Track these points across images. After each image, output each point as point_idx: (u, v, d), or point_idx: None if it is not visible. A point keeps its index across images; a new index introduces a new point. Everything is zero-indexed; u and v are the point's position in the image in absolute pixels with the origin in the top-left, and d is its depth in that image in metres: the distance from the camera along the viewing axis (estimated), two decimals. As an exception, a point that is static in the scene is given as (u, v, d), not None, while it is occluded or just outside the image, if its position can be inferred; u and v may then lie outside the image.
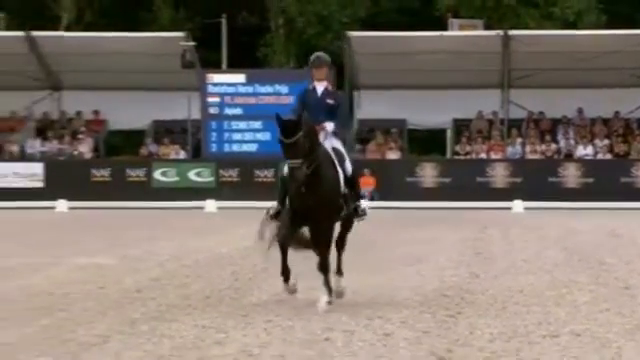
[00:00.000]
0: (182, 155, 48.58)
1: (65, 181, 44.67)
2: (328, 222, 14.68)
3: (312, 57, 15.49)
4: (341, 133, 15.34)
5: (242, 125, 47.73)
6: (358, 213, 15.14)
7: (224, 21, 50.65)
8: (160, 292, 16.23)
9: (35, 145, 48.65)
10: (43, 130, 49.45)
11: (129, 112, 47.69)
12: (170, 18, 58.29)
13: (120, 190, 44.83)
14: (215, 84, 47.72)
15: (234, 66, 50.27)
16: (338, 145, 15.11)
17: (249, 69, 50.37)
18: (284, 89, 47.29)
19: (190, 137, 48.70)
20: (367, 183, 45.22)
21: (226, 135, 47.69)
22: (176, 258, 21.68)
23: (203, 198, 42.22)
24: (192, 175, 46.99)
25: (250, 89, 47.79)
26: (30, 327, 12.92)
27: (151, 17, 59.06)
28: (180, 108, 47.51)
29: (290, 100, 46.84)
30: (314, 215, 14.42)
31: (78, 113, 49.75)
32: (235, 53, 52.43)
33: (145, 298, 15.57)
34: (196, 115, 47.94)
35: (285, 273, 14.76)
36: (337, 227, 15.18)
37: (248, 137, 47.67)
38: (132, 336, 12.42)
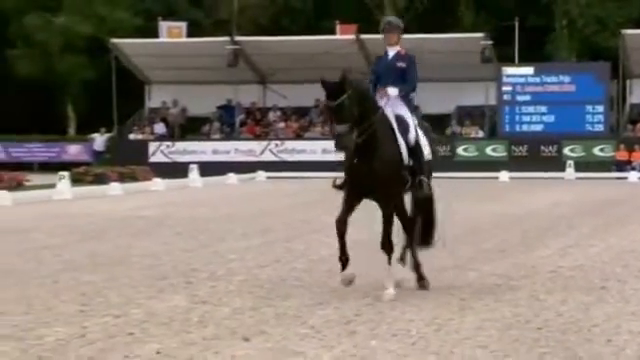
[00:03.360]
0: (480, 134, 48.49)
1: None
2: (387, 197, 11.26)
3: (383, 22, 12.37)
4: (408, 98, 11.92)
5: (530, 109, 47.40)
6: (423, 187, 11.58)
7: (517, 23, 50.11)
8: (461, 247, 16.24)
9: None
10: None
11: (437, 99, 47.76)
12: (471, 21, 58.27)
13: (430, 163, 45.05)
14: (508, 75, 47.56)
15: (524, 61, 49.71)
16: (403, 112, 11.66)
17: (537, 63, 49.84)
18: (566, 79, 47.06)
19: (487, 119, 48.63)
20: (637, 157, 44.77)
21: (517, 117, 47.48)
22: (475, 219, 21.68)
23: (497, 170, 41.96)
24: (489, 151, 46.87)
25: (537, 79, 47.46)
26: (358, 272, 13.19)
27: (455, 21, 59.16)
28: (479, 96, 47.52)
29: (572, 89, 46.25)
30: (371, 189, 11.11)
31: (398, 100, 50.20)
32: (525, 50, 51.80)
33: (449, 252, 15.63)
34: (492, 101, 47.89)
35: (342, 259, 11.31)
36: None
37: (535, 119, 47.33)
38: (439, 281, 12.50)
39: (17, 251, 15.83)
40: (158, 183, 34.69)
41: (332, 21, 51.80)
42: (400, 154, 11.28)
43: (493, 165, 43.81)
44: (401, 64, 11.90)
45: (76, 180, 33.33)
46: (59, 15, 56.90)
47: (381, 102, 11.41)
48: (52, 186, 30.01)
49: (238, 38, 49.15)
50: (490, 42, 47.72)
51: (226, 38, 49.37)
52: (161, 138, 49.43)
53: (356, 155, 10.97)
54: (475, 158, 46.39)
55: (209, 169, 40.37)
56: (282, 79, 49.82)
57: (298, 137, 48.81)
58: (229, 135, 49.93)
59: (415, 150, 11.50)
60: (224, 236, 17.69)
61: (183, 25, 51.05)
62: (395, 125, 11.36)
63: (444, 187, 34.37)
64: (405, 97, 11.82)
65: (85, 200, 28.48)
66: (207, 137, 49.76)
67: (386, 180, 11.06)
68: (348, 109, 10.67)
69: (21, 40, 57.55)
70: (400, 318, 10.11)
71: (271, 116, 50.61)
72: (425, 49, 46.88)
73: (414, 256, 11.97)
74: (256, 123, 50.48)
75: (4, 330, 9.50)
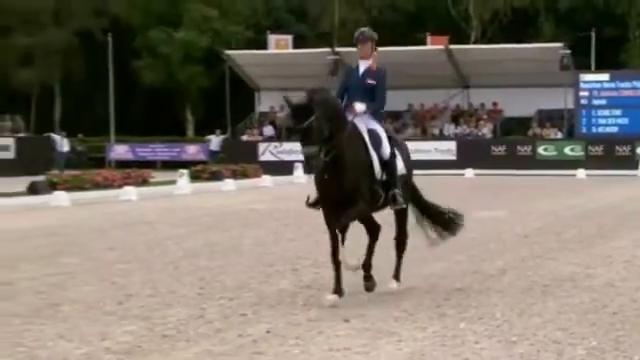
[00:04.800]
0: (559, 135, 47.82)
1: (471, 155, 44.86)
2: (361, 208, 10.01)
3: (356, 33, 10.96)
4: (377, 114, 10.56)
5: (606, 112, 46.62)
6: (396, 201, 10.31)
7: (593, 34, 49.37)
8: (542, 238, 16.11)
9: (450, 128, 49.07)
10: (456, 117, 49.83)
11: (520, 103, 47.37)
12: (551, 32, 57.56)
13: (512, 162, 44.60)
14: (585, 82, 46.82)
15: (600, 68, 48.94)
16: (375, 126, 10.39)
17: (612, 70, 49.01)
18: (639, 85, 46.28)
19: (565, 122, 47.96)
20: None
21: (593, 120, 46.76)
22: (554, 212, 21.41)
23: (575, 168, 41.33)
24: (567, 150, 46.20)
25: (613, 85, 46.67)
26: (446, 262, 13.12)
27: (536, 32, 58.50)
28: (558, 100, 46.84)
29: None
30: (343, 204, 9.87)
31: (482, 105, 49.80)
32: (601, 58, 51.02)
33: (531, 242, 15.50)
34: (570, 105, 47.18)
35: (337, 290, 9.99)
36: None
37: (610, 121, 46.57)
38: (522, 269, 12.42)
39: (143, 241, 16.06)
40: (267, 180, 34.91)
41: (423, 33, 51.67)
42: (371, 168, 10.07)
43: (571, 164, 43.17)
44: (370, 81, 10.51)
45: (194, 177, 33.68)
46: (180, 30, 57.57)
47: (350, 117, 10.20)
48: (173, 182, 30.38)
49: (338, 49, 49.20)
50: (568, 51, 47.11)
51: (327, 49, 49.49)
52: (269, 139, 49.73)
53: (326, 172, 9.78)
54: (554, 157, 45.79)
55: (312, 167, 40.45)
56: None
57: (392, 138, 48.87)
58: (330, 137, 50.09)
59: (389, 164, 10.28)
60: (326, 227, 17.72)
61: (289, 38, 51.34)
62: (367, 139, 10.16)
63: (526, 183, 34.01)
64: (373, 114, 10.49)
65: (202, 195, 28.77)
66: (311, 138, 49.96)
67: (356, 195, 9.85)
68: (316, 130, 9.48)
69: (146, 52, 58.38)
70: (486, 303, 10.04)
71: (367, 119, 50.73)
72: (509, 58, 46.68)
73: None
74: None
75: (133, 311, 9.66)
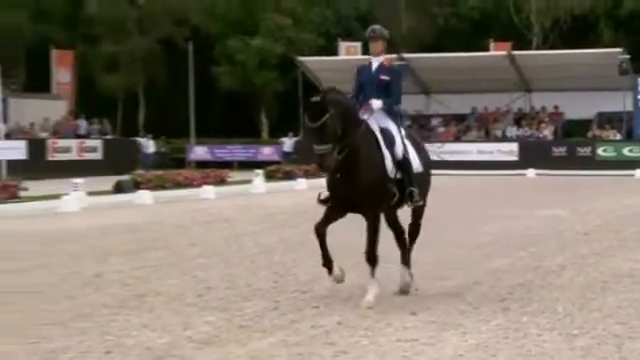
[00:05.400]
0: (618, 137, 47.08)
1: (533, 155, 44.41)
2: (372, 210, 9.59)
3: (368, 30, 10.31)
4: (393, 111, 10.06)
5: (664, 115, 46.00)
6: (413, 199, 9.88)
7: (651, 38, 48.67)
8: (601, 235, 15.91)
9: (512, 130, 48.59)
10: (518, 120, 49.33)
11: (580, 106, 46.75)
12: (611, 38, 56.69)
13: (572, 162, 44.05)
14: (644, 85, 46.22)
15: (659, 72, 48.19)
16: (389, 125, 9.86)
17: (671, 73, 48.26)
18: (690, 88, 45.64)
19: (624, 124, 47.23)
20: None
21: (651, 122, 46.17)
22: (613, 211, 21.12)
23: (633, 168, 40.71)
24: (625, 151, 45.48)
25: (670, 88, 46.02)
26: (509, 258, 13.04)
27: (596, 37, 57.71)
28: (617, 103, 46.11)
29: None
30: (355, 203, 9.50)
31: (543, 108, 49.24)
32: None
33: (591, 240, 15.33)
34: (629, 108, 46.47)
35: (326, 264, 9.86)
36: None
37: (668, 122, 45.96)
38: (582, 266, 12.27)
39: (222, 237, 16.18)
40: (338, 179, 35.02)
41: (487, 40, 51.29)
42: (384, 167, 9.56)
43: (629, 164, 42.50)
44: (384, 77, 9.98)
45: (269, 177, 33.81)
46: (256, 38, 57.85)
47: (364, 116, 9.71)
48: (249, 182, 30.55)
49: (405, 55, 49.04)
50: (627, 56, 46.39)
51: (393, 55, 49.32)
52: (339, 141, 49.84)
53: (338, 170, 9.30)
54: (613, 158, 45.10)
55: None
56: (443, 90, 49.65)
57: (457, 140, 48.46)
58: (397, 138, 50.02)
59: (403, 163, 9.76)
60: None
61: (358, 45, 51.28)
62: (380, 138, 9.65)
63: (585, 183, 33.53)
64: (389, 110, 9.99)
65: (276, 194, 28.89)
66: (379, 140, 49.97)
67: (368, 193, 9.39)
68: (330, 129, 9.06)
69: (224, 59, 58.73)
70: (548, 297, 9.95)
71: (433, 122, 50.43)
72: (569, 63, 46.14)
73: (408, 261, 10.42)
74: (420, 128, 50.39)
75: (213, 303, 9.74)
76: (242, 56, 57.82)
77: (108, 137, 48.64)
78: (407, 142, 10.02)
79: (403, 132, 10.05)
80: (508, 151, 46.38)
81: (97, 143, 46.53)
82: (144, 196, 24.99)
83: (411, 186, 9.78)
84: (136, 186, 26.67)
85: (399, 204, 9.94)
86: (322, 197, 9.77)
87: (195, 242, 15.32)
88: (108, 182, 27.77)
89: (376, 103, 9.83)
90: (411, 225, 10.45)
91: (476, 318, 8.87)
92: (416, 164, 10.02)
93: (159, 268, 12.34)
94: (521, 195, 27.25)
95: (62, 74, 51.21)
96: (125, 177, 28.43)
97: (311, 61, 51.77)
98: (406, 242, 10.45)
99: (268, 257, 13.27)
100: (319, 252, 9.86)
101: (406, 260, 10.38)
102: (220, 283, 10.97)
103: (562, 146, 46.17)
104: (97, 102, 55.99)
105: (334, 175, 9.42)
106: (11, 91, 45.50)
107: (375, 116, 9.80)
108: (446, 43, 56.73)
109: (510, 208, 21.85)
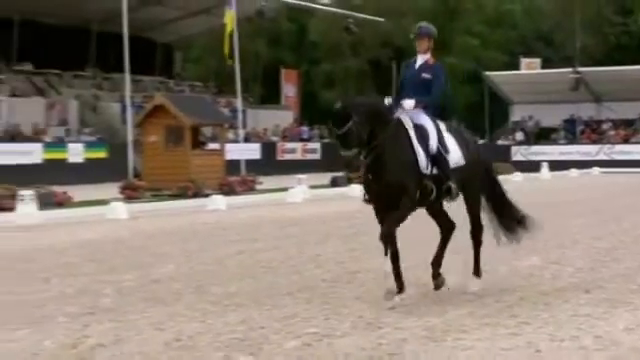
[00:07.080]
0: None
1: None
2: (404, 205, 8.16)
3: (415, 27, 9.14)
4: (433, 109, 8.59)
5: None
6: (450, 193, 8.40)
7: None
8: None
9: None
10: None
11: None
12: None
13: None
14: None
15: None
16: (424, 121, 8.41)
17: None
18: None
19: None
20: None
21: None
22: None
23: None
24: None
25: None
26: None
27: None
28: None
29: None
30: (390, 200, 8.14)
31: None
32: None
33: None
34: None
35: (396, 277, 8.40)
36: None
37: None
38: None
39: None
40: (518, 175, 34.45)
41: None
42: (414, 165, 8.17)
43: None
44: (426, 75, 8.60)
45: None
46: (449, 56, 57.39)
47: (397, 114, 8.41)
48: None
49: (580, 69, 47.61)
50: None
51: (569, 69, 47.98)
52: (520, 143, 48.83)
53: (369, 172, 8.15)
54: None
55: (556, 166, 39.67)
56: (612, 98, 47.86)
57: (625, 142, 46.59)
58: (571, 141, 48.48)
59: (437, 157, 8.33)
60: (566, 214, 17.15)
61: (538, 60, 50.41)
62: (413, 135, 8.28)
63: None
64: (427, 108, 8.54)
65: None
66: (555, 142, 48.68)
67: (400, 190, 8.10)
68: (355, 134, 7.83)
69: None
70: None
71: (604, 126, 48.57)
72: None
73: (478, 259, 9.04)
74: (592, 132, 48.71)
75: (410, 279, 9.62)
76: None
77: (326, 141, 49.55)
78: (448, 135, 8.58)
79: (443, 127, 8.62)
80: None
81: (317, 145, 47.58)
82: (356, 189, 25.23)
83: (448, 181, 8.35)
84: (349, 181, 26.99)
85: (434, 200, 8.45)
86: (366, 197, 8.49)
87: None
88: (325, 178, 28.27)
89: (408, 103, 8.45)
90: (472, 230, 8.96)
91: (644, 297, 8.46)
92: (457, 157, 8.53)
93: (369, 249, 12.42)
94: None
95: (289, 89, 52.83)
96: (340, 174, 28.83)
97: (496, 75, 51.30)
98: (449, 237, 8.93)
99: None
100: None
101: (476, 269, 9.00)
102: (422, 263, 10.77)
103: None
104: (317, 112, 57.11)
105: (367, 176, 8.23)
106: (249, 103, 47.27)
107: (410, 113, 8.44)
108: (617, 57, 54.46)
109: None
